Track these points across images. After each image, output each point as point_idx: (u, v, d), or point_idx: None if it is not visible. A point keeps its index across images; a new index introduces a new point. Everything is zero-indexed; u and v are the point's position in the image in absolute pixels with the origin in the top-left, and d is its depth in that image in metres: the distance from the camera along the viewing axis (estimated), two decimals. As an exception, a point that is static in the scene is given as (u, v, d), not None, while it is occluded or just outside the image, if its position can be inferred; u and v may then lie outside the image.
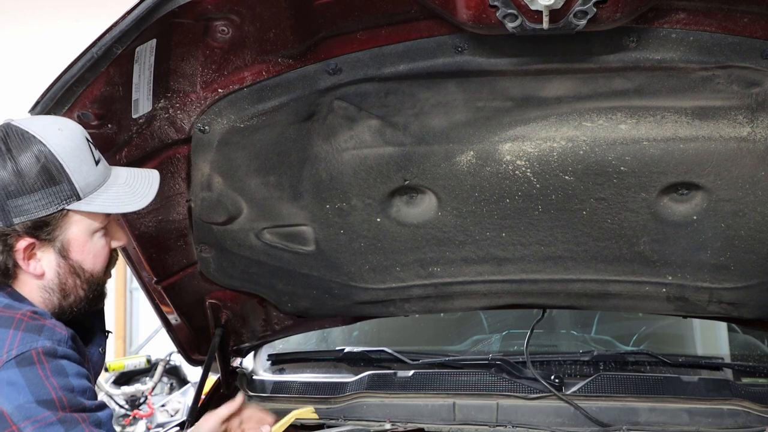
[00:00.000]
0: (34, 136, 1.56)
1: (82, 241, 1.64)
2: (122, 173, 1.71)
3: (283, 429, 1.94)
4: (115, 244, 1.73)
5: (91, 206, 1.62)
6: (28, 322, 1.55)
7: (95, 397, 1.62)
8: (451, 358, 2.62)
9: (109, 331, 1.88)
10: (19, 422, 1.48)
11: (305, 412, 1.98)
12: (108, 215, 1.68)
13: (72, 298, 1.68)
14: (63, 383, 1.53)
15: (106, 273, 1.73)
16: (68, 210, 1.60)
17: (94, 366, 1.78)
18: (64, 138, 1.59)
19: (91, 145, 1.65)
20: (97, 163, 1.64)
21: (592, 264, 2.26)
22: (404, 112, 1.98)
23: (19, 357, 1.51)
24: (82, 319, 1.75)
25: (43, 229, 1.59)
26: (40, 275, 1.63)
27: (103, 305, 1.82)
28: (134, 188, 1.70)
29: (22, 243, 1.59)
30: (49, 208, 1.57)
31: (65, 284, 1.66)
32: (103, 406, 1.60)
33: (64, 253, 1.63)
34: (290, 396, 2.54)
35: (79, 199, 1.59)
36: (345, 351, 2.72)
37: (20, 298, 1.64)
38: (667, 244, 2.17)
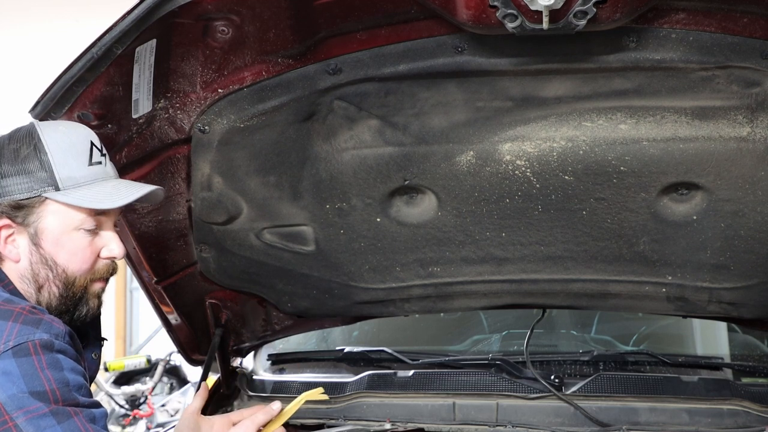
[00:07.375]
0: (37, 133, 1.65)
1: (57, 232, 1.66)
2: (121, 182, 1.74)
3: (295, 410, 2.00)
4: (105, 253, 1.73)
5: (67, 198, 1.64)
6: (27, 316, 1.57)
7: (90, 395, 1.62)
8: (451, 358, 2.62)
9: (104, 339, 1.89)
10: (11, 412, 1.49)
11: (314, 393, 2.02)
12: (95, 215, 1.69)
13: (46, 294, 1.69)
14: (58, 376, 1.54)
15: (95, 279, 1.73)
16: (46, 198, 1.64)
17: (88, 370, 1.78)
18: (61, 134, 1.67)
19: (95, 149, 1.69)
20: (92, 164, 1.68)
21: (592, 264, 2.26)
22: (404, 112, 1.98)
23: (16, 348, 1.52)
24: (75, 328, 1.74)
25: (19, 211, 1.64)
26: (15, 260, 1.67)
27: (100, 313, 1.82)
28: (119, 190, 1.71)
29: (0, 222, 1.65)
30: (28, 192, 1.63)
31: (38, 275, 1.67)
32: (97, 404, 1.61)
33: (35, 241, 1.66)
34: (290, 396, 2.53)
35: (57, 189, 1.64)
36: (345, 351, 2.72)
37: (19, 295, 1.66)
38: (667, 244, 2.17)
